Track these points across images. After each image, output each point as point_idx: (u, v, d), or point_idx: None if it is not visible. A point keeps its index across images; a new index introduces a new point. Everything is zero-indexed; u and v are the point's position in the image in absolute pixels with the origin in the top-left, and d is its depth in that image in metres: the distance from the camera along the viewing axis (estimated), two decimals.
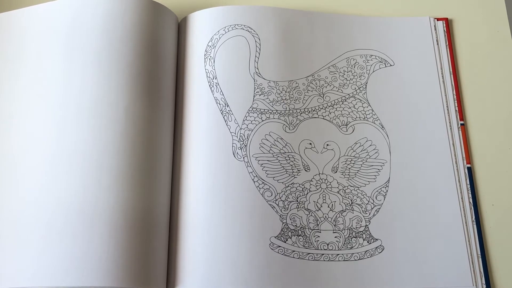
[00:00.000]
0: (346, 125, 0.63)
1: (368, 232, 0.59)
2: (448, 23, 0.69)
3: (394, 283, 0.57)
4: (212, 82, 0.62)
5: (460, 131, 0.63)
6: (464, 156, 0.62)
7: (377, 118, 0.63)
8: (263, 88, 0.63)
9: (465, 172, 0.62)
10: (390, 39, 0.67)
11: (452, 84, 0.65)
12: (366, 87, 0.65)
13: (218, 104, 0.61)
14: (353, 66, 0.65)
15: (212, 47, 0.63)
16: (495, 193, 0.62)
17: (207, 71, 0.63)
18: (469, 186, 0.61)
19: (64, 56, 0.60)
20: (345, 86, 0.65)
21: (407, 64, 0.66)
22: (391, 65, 0.66)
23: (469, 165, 0.62)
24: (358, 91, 0.64)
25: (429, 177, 0.61)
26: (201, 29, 0.65)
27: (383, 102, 0.64)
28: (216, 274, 0.55)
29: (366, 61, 0.66)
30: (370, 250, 0.58)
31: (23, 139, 0.58)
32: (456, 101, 0.65)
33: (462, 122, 0.64)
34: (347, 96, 0.64)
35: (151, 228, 0.56)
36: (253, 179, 0.59)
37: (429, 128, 0.63)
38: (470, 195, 0.61)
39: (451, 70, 0.66)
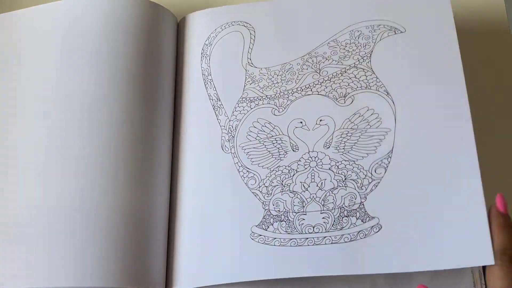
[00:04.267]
0: (344, 96, 0.57)
1: (363, 210, 0.52)
2: None
3: (393, 267, 0.49)
4: (207, 79, 0.61)
5: None
6: None
7: (382, 85, 0.56)
8: (254, 77, 0.60)
9: None
10: (400, 7, 0.60)
11: None
12: (371, 56, 0.58)
13: (211, 100, 0.60)
14: (357, 38, 0.59)
15: (208, 45, 0.63)
16: (494, 193, 0.55)
17: (203, 69, 0.62)
18: None
19: (62, 58, 0.62)
20: (346, 57, 0.59)
21: (420, 29, 0.58)
22: (401, 32, 0.58)
23: None
24: (361, 60, 0.58)
25: (438, 147, 0.53)
26: (199, 28, 0.65)
27: (390, 69, 0.57)
28: (204, 271, 0.53)
29: (373, 31, 0.59)
30: (364, 230, 0.51)
31: (20, 140, 0.60)
32: None
33: None
34: (347, 67, 0.58)
35: (150, 228, 0.55)
36: (238, 170, 0.56)
37: (440, 93, 0.55)
38: None
39: None
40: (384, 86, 0.56)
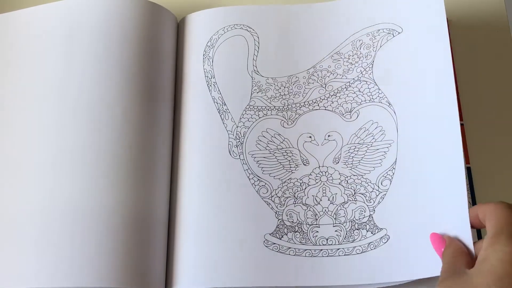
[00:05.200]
0: (350, 111, 0.59)
1: (372, 222, 0.55)
2: (447, 23, 0.65)
3: (402, 275, 0.52)
4: (210, 82, 0.62)
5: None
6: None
7: (384, 96, 0.59)
8: (261, 86, 0.61)
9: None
10: (396, 7, 0.61)
11: None
12: (372, 67, 0.60)
13: (215, 103, 0.61)
14: (358, 48, 0.61)
15: (211, 47, 0.63)
16: (494, 193, 0.60)
17: (205, 70, 0.62)
18: (468, 186, 0.58)
19: (62, 58, 0.61)
20: (350, 71, 0.61)
21: (415, 28, 0.60)
22: (399, 33, 0.60)
23: (468, 165, 0.61)
24: (364, 72, 0.60)
25: (437, 156, 0.54)
26: (200, 29, 0.65)
27: (390, 77, 0.59)
28: (212, 273, 0.54)
29: (373, 38, 0.61)
30: (374, 242, 0.54)
31: (20, 141, 0.59)
32: None
33: (461, 122, 0.62)
34: (351, 81, 0.60)
35: (149, 229, 0.55)
36: (248, 177, 0.58)
37: (437, 99, 0.56)
38: (470, 196, 0.59)
39: None
40: (386, 97, 0.59)
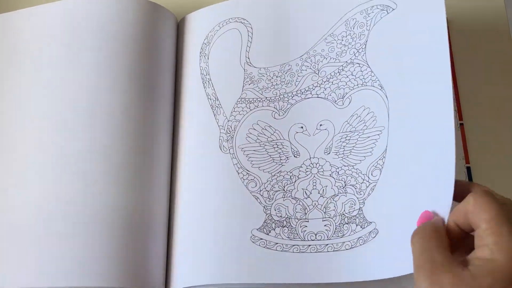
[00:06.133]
0: (343, 97, 0.56)
1: (362, 216, 0.52)
2: (447, 23, 0.63)
3: (392, 271, 0.48)
4: (205, 79, 0.61)
5: (459, 131, 0.62)
6: (463, 156, 0.61)
7: (376, 79, 0.55)
8: (253, 77, 0.60)
9: (464, 172, 0.60)
10: None
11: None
12: (365, 47, 0.56)
13: (209, 99, 0.60)
14: (352, 27, 0.58)
15: (207, 44, 0.62)
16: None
17: (201, 68, 0.62)
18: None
19: (62, 57, 0.61)
20: (343, 53, 0.57)
21: (410, 4, 0.54)
22: (393, 9, 0.55)
23: (468, 165, 0.61)
24: (357, 54, 0.57)
25: (429, 146, 0.49)
26: (198, 28, 0.64)
27: (383, 57, 0.55)
28: (201, 269, 0.54)
29: (367, 16, 0.57)
30: (363, 236, 0.51)
31: (20, 141, 0.59)
32: (455, 101, 0.63)
33: (461, 122, 0.62)
34: (344, 65, 0.57)
35: (149, 228, 0.55)
36: (237, 171, 0.56)
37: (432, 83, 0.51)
38: None
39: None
40: (378, 80, 0.55)
